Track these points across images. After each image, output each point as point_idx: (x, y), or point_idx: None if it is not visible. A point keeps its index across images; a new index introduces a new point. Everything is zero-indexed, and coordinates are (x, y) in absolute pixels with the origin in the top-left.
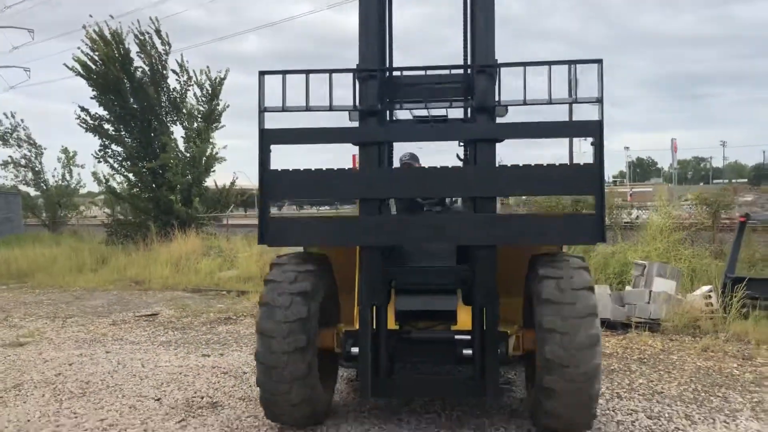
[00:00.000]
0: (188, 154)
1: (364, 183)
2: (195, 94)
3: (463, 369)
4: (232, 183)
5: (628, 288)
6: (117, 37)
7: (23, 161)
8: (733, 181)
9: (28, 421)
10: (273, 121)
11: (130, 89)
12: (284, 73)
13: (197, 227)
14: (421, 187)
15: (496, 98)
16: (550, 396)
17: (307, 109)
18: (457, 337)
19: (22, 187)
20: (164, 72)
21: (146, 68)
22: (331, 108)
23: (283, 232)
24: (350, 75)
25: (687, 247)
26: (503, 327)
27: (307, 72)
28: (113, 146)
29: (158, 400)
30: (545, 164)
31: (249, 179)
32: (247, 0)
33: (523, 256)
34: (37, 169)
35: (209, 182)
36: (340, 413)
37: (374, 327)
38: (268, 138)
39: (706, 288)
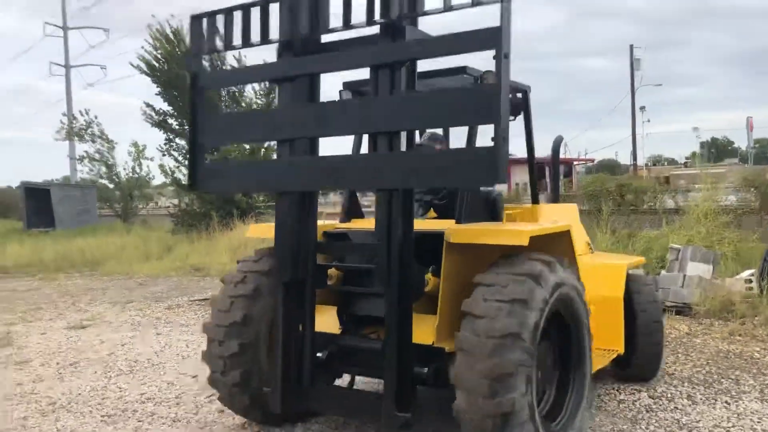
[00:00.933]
0: (248, 147)
1: (273, 123)
2: (253, 87)
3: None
4: None
5: (663, 272)
6: (178, 36)
7: (97, 155)
8: None
9: (79, 394)
10: None
11: None
12: (212, 14)
13: (256, 216)
14: (321, 125)
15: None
16: (463, 428)
17: (227, 48)
18: None
19: (100, 181)
20: (223, 67)
21: (206, 64)
22: (245, 44)
23: (211, 178)
24: None
25: (732, 230)
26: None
27: (231, 9)
28: (177, 140)
29: (195, 377)
30: (440, 89)
31: None
32: None
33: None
34: (110, 162)
35: None
36: None
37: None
38: (200, 82)
39: (748, 272)
